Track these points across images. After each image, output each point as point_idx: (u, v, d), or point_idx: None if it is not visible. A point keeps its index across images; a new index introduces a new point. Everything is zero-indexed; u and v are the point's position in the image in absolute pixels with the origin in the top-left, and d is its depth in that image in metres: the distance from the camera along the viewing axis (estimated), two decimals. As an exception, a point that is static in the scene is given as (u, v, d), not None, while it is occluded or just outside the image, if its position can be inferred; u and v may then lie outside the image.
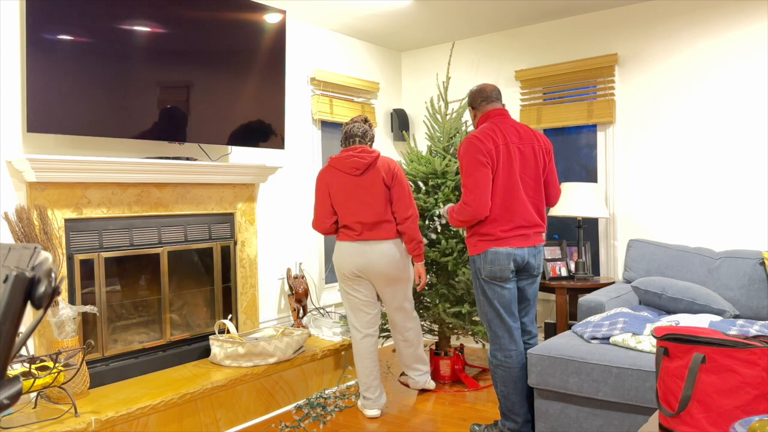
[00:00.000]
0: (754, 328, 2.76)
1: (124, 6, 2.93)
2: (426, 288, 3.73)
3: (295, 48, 4.25)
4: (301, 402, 3.48)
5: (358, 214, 3.11)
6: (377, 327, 3.29)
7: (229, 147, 3.75)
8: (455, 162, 3.68)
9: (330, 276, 4.58)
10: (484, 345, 3.83)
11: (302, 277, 3.99)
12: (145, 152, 3.32)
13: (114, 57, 2.91)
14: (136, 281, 3.22)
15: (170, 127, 3.17)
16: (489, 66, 4.73)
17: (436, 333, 3.90)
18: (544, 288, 3.98)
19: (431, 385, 3.59)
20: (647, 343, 2.59)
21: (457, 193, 3.65)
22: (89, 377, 2.86)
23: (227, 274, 3.67)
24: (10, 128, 2.79)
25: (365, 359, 3.24)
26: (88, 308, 2.76)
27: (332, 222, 3.20)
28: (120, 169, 2.99)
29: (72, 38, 2.76)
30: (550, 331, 4.11)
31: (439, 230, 3.66)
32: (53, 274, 0.85)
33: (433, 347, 3.91)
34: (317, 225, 3.22)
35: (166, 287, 3.33)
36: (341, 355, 3.80)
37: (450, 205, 2.89)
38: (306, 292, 3.95)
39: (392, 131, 5.09)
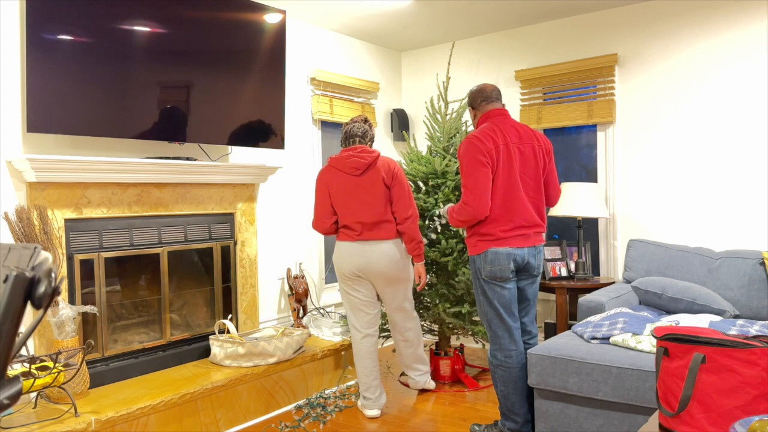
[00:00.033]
0: (754, 328, 2.76)
1: (124, 6, 2.93)
2: (426, 288, 3.73)
3: (295, 48, 4.25)
4: (301, 402, 3.48)
5: (358, 214, 3.11)
6: (377, 327, 3.29)
7: (229, 147, 3.75)
8: (455, 162, 3.68)
9: (330, 276, 4.58)
10: (484, 345, 3.83)
11: (302, 277, 3.99)
12: (145, 152, 3.32)
13: (114, 57, 2.91)
14: (136, 281, 3.22)
15: (170, 127, 3.17)
16: (489, 66, 4.73)
17: (436, 333, 3.90)
18: (544, 288, 3.98)
19: (431, 385, 3.59)
20: (647, 343, 2.59)
21: (457, 193, 3.65)
22: (89, 377, 2.86)
23: (227, 274, 3.67)
24: (10, 128, 2.79)
25: (365, 359, 3.24)
26: (88, 308, 2.76)
27: (332, 222, 3.20)
28: (120, 169, 2.99)
29: (72, 38, 2.76)
30: (550, 331, 4.11)
31: (439, 230, 3.66)
32: (53, 274, 0.85)
33: (433, 347, 3.91)
34: (317, 225, 3.22)
35: (166, 287, 3.33)
36: (341, 355, 3.80)
37: (450, 205, 2.89)
38: (306, 292, 3.95)
39: (392, 131, 5.09)
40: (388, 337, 3.79)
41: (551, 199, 2.86)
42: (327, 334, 3.92)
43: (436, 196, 3.68)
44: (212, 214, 3.56)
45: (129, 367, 3.11)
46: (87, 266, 2.99)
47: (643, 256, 3.68)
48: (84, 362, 2.77)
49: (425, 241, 3.69)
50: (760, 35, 3.63)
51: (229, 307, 3.68)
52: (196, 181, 3.38)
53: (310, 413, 3.30)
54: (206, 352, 3.49)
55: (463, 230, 3.61)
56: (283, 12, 3.70)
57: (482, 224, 2.69)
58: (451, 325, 3.72)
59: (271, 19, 3.63)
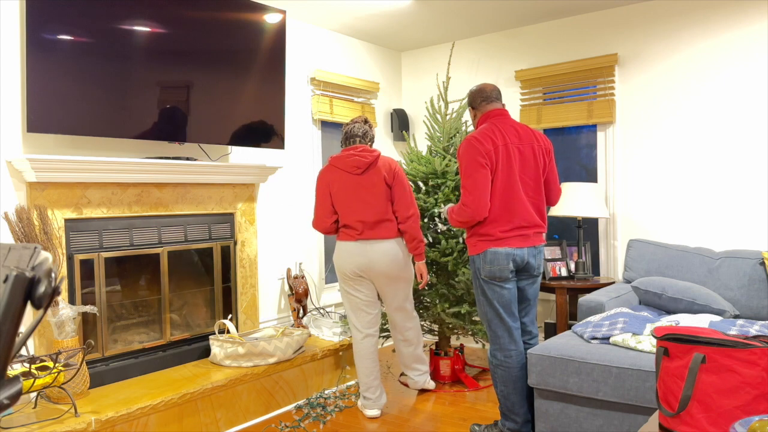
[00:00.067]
0: (754, 328, 2.76)
1: (124, 6, 2.93)
2: (426, 288, 3.73)
3: (295, 48, 4.25)
4: (301, 402, 3.48)
5: (360, 213, 3.11)
6: (378, 327, 3.29)
7: (229, 147, 3.75)
8: (455, 162, 3.68)
9: (330, 276, 4.58)
10: (484, 345, 3.83)
11: (302, 277, 3.99)
12: (145, 152, 3.32)
13: (114, 57, 2.91)
14: (136, 281, 3.22)
15: (170, 127, 3.17)
16: (489, 66, 4.73)
17: (436, 333, 3.90)
18: (544, 288, 3.98)
19: (431, 385, 3.59)
20: (647, 343, 2.59)
21: (457, 193, 3.65)
22: (89, 377, 2.86)
23: (227, 274, 3.67)
24: (10, 128, 2.79)
25: (366, 359, 3.24)
26: (88, 308, 2.76)
27: (332, 221, 3.20)
28: (120, 169, 2.99)
29: (72, 38, 2.76)
30: (550, 331, 4.11)
31: (440, 230, 3.66)
32: (53, 274, 0.85)
33: (433, 347, 3.91)
34: (317, 224, 3.23)
35: (166, 287, 3.33)
36: (341, 355, 3.80)
37: (450, 205, 2.89)
38: (306, 292, 3.95)
39: (392, 131, 5.09)
40: (388, 337, 3.79)
41: (552, 199, 2.86)
42: (327, 334, 3.92)
43: (436, 196, 3.68)
44: (212, 214, 3.57)
45: (129, 367, 3.11)
46: (87, 266, 3.00)
47: (643, 256, 3.68)
48: (84, 362, 2.77)
49: (425, 240, 3.69)
50: (760, 35, 3.63)
51: (229, 307, 3.68)
52: (196, 181, 3.38)
53: (310, 413, 3.30)
54: (206, 352, 3.49)
55: (463, 231, 3.61)
56: (283, 12, 3.70)
57: (482, 224, 2.69)
58: (450, 325, 3.72)
59: (271, 19, 3.63)
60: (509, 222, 2.67)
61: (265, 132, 3.66)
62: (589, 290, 3.92)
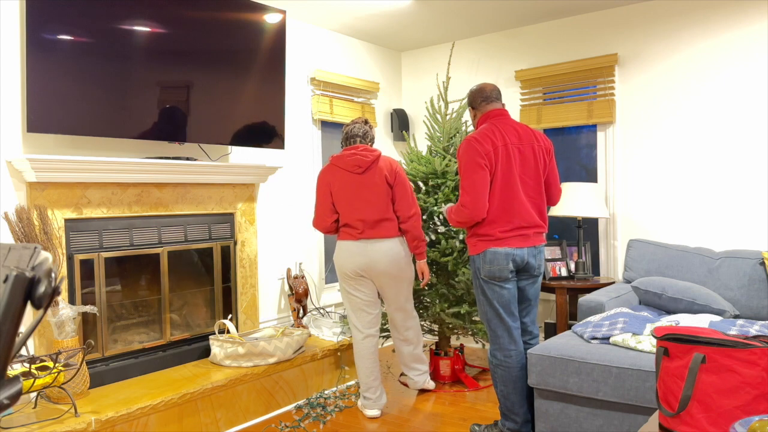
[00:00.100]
0: (754, 328, 2.76)
1: (124, 6, 2.93)
2: (426, 288, 3.73)
3: (295, 48, 4.25)
4: (301, 402, 3.48)
5: (361, 212, 3.11)
6: (378, 327, 3.29)
7: (229, 147, 3.75)
8: (455, 162, 3.68)
9: (330, 276, 4.58)
10: (484, 345, 3.84)
11: (302, 277, 3.99)
12: (145, 152, 3.32)
13: (114, 57, 2.91)
14: (136, 281, 3.22)
15: (170, 127, 3.17)
16: (489, 66, 4.73)
17: (436, 333, 3.90)
18: (544, 288, 3.98)
19: (431, 385, 3.59)
20: (647, 343, 2.59)
21: (457, 193, 3.65)
22: (89, 377, 2.86)
23: (227, 274, 3.67)
24: (10, 128, 2.79)
25: (366, 359, 3.24)
26: (88, 308, 2.76)
27: (333, 220, 3.20)
28: (120, 169, 2.99)
29: (72, 38, 2.76)
30: (550, 331, 4.11)
31: (440, 230, 3.66)
32: (53, 274, 0.85)
33: (433, 347, 3.91)
34: (318, 223, 3.23)
35: (166, 287, 3.33)
36: (339, 356, 3.79)
37: (450, 205, 2.89)
38: (306, 292, 3.95)
39: (392, 131, 5.09)
40: (388, 337, 3.79)
41: (552, 199, 2.86)
42: (327, 334, 3.92)
43: (436, 196, 3.68)
44: (212, 214, 3.57)
45: (129, 367, 3.11)
46: (87, 266, 3.00)
47: (643, 256, 3.68)
48: (84, 362, 2.77)
49: (426, 240, 3.69)
50: (760, 35, 3.63)
51: (229, 307, 3.68)
52: (196, 181, 3.38)
53: (310, 413, 3.30)
54: (206, 352, 3.49)
55: (463, 231, 3.61)
56: (283, 12, 3.70)
57: (481, 225, 2.69)
58: (450, 325, 3.72)
59: (271, 19, 3.63)
60: (509, 222, 2.67)
61: (265, 132, 3.66)
62: (589, 290, 3.92)
